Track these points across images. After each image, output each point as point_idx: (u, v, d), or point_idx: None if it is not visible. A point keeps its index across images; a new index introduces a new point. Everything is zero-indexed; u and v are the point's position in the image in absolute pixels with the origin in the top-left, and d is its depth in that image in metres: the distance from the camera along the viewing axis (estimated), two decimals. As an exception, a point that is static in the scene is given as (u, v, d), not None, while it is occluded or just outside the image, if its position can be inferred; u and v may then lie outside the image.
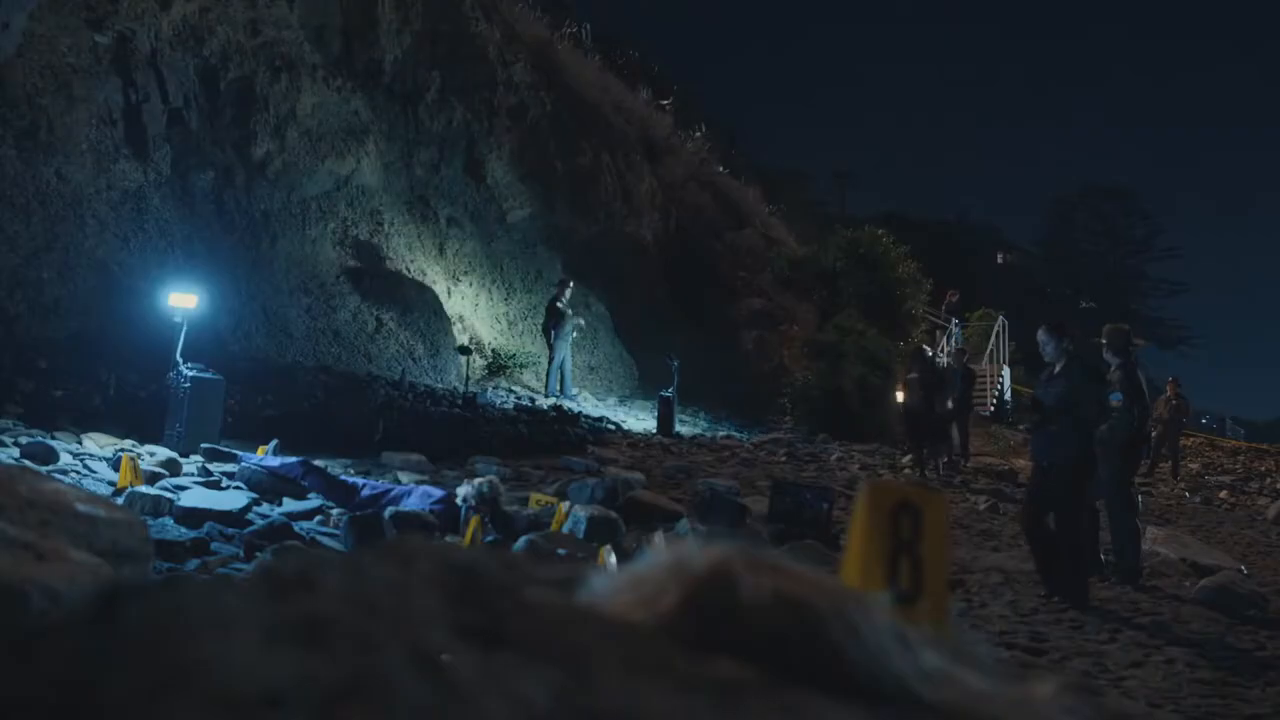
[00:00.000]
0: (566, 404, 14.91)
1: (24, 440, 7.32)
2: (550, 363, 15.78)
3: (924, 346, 14.76)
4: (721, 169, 24.51)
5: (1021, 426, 13.58)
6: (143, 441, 8.24)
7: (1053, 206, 40.64)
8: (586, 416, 14.33)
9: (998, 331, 22.26)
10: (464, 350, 14.52)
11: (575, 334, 16.02)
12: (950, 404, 13.21)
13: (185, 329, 8.73)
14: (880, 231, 19.63)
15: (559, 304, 15.66)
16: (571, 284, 16.08)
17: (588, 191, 19.12)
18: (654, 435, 14.10)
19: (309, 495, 7.04)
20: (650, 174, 21.22)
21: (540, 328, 16.10)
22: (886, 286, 19.12)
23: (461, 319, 16.49)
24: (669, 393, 14.75)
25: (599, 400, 16.84)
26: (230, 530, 5.74)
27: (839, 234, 20.02)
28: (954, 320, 21.76)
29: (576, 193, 18.85)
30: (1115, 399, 7.03)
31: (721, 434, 15.59)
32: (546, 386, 15.75)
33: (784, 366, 18.40)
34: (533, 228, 17.79)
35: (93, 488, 6.35)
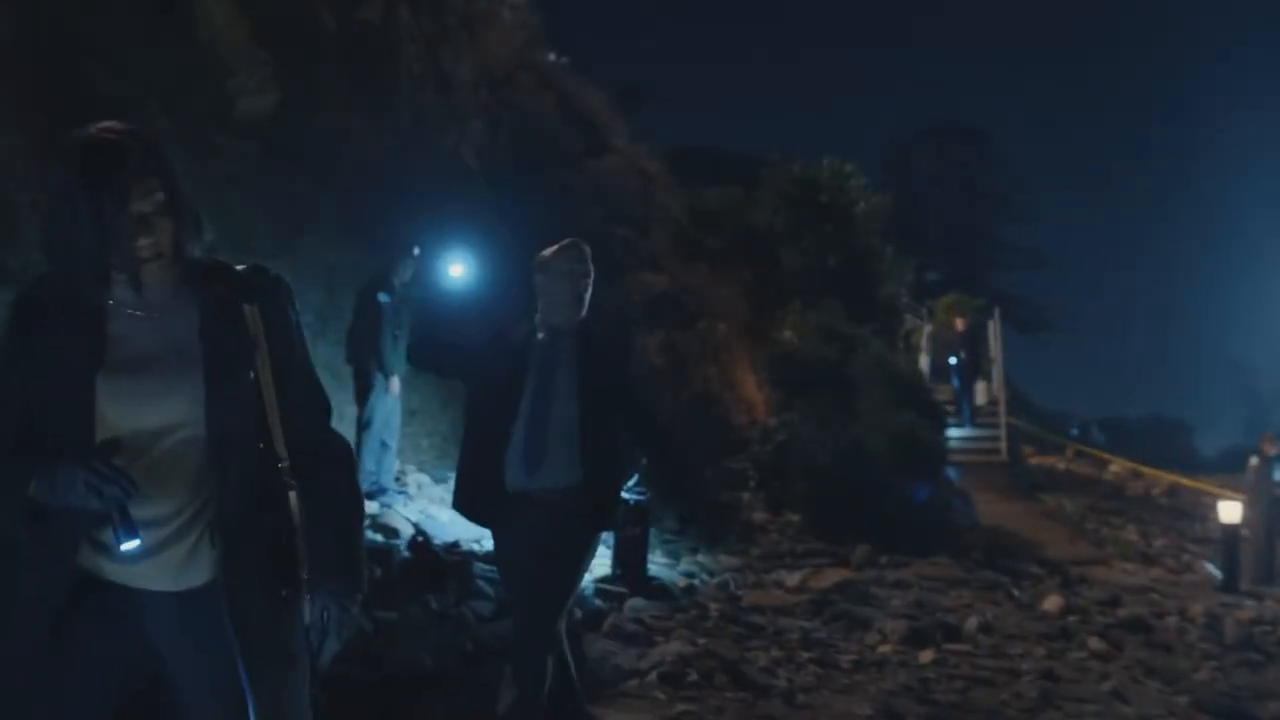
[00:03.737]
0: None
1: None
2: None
3: None
4: (553, 57, 16.30)
5: None
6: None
7: (888, 146, 33.55)
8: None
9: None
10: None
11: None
12: None
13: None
14: (848, 166, 12.45)
15: (387, 284, 7.49)
16: (417, 251, 7.75)
17: (380, 67, 10.56)
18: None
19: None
20: (471, 51, 12.85)
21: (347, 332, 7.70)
22: (855, 254, 12.29)
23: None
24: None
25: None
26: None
27: (781, 169, 12.64)
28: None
29: (358, 68, 10.24)
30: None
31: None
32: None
33: (717, 396, 11.03)
34: (281, 130, 8.97)
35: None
